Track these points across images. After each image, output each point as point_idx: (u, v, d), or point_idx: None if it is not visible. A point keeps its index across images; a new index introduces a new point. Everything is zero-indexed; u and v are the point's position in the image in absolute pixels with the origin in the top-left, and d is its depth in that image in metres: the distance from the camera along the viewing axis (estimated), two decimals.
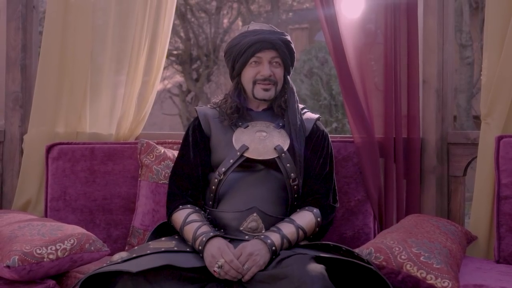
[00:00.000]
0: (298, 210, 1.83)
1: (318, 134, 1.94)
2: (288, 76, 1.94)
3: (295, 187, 1.83)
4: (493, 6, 2.17)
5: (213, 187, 1.83)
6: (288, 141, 1.85)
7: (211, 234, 1.70)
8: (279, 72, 1.90)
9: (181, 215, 1.80)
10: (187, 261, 1.65)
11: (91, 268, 1.83)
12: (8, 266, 1.65)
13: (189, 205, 1.83)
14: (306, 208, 1.82)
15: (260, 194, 1.81)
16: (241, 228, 1.78)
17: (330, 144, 1.96)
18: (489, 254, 2.15)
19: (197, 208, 1.83)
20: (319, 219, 1.81)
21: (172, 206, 1.86)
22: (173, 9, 2.52)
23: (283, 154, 1.83)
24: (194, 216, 1.78)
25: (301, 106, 1.99)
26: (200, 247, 1.68)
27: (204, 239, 1.68)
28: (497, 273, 1.87)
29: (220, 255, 1.63)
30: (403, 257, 1.70)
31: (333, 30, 2.25)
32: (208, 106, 2.00)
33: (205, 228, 1.73)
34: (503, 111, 2.15)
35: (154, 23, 2.45)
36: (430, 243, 1.77)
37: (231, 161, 1.82)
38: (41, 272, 1.71)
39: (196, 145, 1.91)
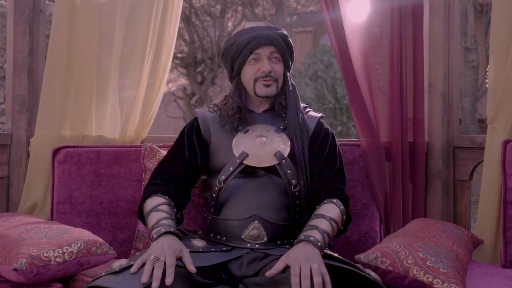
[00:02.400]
0: (317, 206, 1.76)
1: (322, 134, 1.89)
2: (288, 73, 1.89)
3: (296, 193, 1.80)
4: (499, 9, 2.17)
5: (214, 194, 1.80)
6: (289, 146, 1.81)
7: (171, 229, 1.63)
8: (279, 68, 1.86)
9: (155, 201, 1.75)
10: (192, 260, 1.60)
11: (98, 272, 1.83)
12: (15, 269, 1.66)
13: (166, 197, 1.78)
14: (325, 201, 1.76)
15: (261, 201, 1.78)
16: (243, 236, 1.75)
17: (335, 141, 1.91)
18: (495, 259, 2.14)
19: (172, 203, 1.77)
20: (342, 207, 1.75)
21: (150, 190, 1.80)
22: (179, 12, 2.52)
23: (283, 161, 1.79)
24: (165, 207, 1.72)
25: (303, 105, 1.94)
26: (154, 236, 1.62)
27: (162, 230, 1.62)
28: (504, 277, 1.86)
29: (167, 253, 1.54)
30: (409, 261, 1.70)
31: (338, 33, 2.26)
32: (207, 108, 1.95)
33: (167, 222, 1.67)
34: (509, 115, 2.15)
35: (160, 26, 2.45)
36: (436, 247, 1.77)
37: (231, 168, 1.79)
38: (48, 275, 1.72)
39: (192, 147, 1.87)
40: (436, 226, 1.97)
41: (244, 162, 1.79)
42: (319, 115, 1.96)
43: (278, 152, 1.80)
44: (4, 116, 2.55)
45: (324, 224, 1.67)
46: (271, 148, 1.81)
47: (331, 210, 1.73)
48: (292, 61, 1.91)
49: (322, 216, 1.70)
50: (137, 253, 1.72)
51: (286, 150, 1.81)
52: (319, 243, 1.60)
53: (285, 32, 1.89)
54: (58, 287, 1.75)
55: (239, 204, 1.78)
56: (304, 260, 1.52)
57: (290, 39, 1.89)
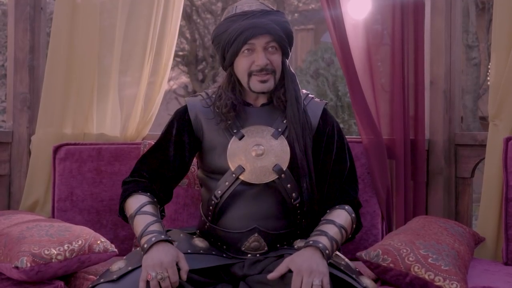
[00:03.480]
0: (328, 211, 1.69)
1: (328, 129, 1.75)
2: (287, 61, 1.71)
3: (297, 204, 1.69)
4: (501, 7, 2.16)
5: (211, 207, 1.70)
6: (289, 153, 1.67)
7: (162, 237, 1.56)
8: (276, 58, 1.66)
9: (138, 201, 1.65)
10: (191, 262, 1.60)
11: (99, 269, 1.84)
12: (16, 267, 1.66)
13: (148, 194, 1.68)
14: (337, 206, 1.69)
15: (260, 212, 1.68)
16: (243, 249, 1.70)
17: (342, 136, 1.78)
18: (497, 256, 2.14)
19: (155, 200, 1.68)
20: (353, 215, 1.68)
21: (130, 188, 1.70)
22: (180, 10, 2.52)
23: (282, 175, 1.67)
24: (149, 208, 1.64)
25: (305, 92, 1.78)
26: (145, 245, 1.55)
27: (153, 239, 1.55)
28: (506, 275, 1.86)
29: (166, 267, 1.51)
30: (411, 259, 1.70)
31: (339, 31, 2.25)
32: (200, 100, 1.77)
33: (156, 227, 1.59)
34: (511, 112, 2.14)
35: (161, 24, 2.45)
36: (438, 244, 1.76)
37: (227, 183, 1.68)
38: (50, 273, 1.71)
39: (180, 144, 1.74)
40: (438, 223, 1.97)
41: (241, 177, 1.66)
42: (323, 103, 1.78)
43: (276, 165, 1.66)
44: (5, 114, 2.55)
45: (333, 231, 1.61)
46: (269, 161, 1.66)
47: (341, 216, 1.66)
48: (291, 48, 1.71)
49: (332, 222, 1.63)
50: (136, 250, 1.70)
51: (285, 159, 1.67)
52: (327, 251, 1.55)
53: (283, 17, 1.69)
54: (59, 285, 1.75)
55: (237, 216, 1.69)
56: (307, 272, 1.49)
57: (288, 25, 1.69)
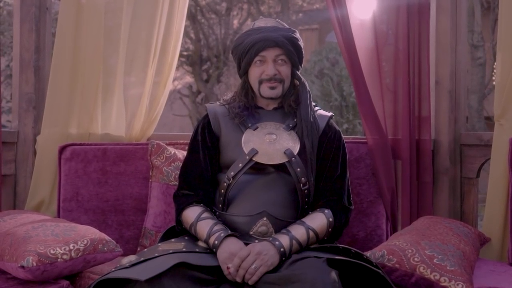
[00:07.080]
0: (310, 212, 1.81)
1: (330, 134, 1.90)
2: (297, 72, 1.89)
3: (305, 191, 1.80)
4: (507, 6, 2.15)
5: (222, 190, 1.81)
6: (299, 144, 1.82)
7: (229, 232, 1.70)
8: (285, 69, 1.85)
9: (195, 211, 1.79)
10: (199, 259, 1.64)
11: (104, 269, 1.84)
12: (22, 267, 1.66)
13: (202, 204, 1.82)
14: (318, 210, 1.81)
15: (270, 198, 1.79)
16: (251, 233, 1.76)
17: (343, 144, 1.92)
18: (502, 257, 2.13)
19: (208, 209, 1.82)
20: (330, 219, 1.79)
21: (184, 202, 1.84)
22: (185, 10, 2.52)
23: (293, 158, 1.79)
24: (208, 214, 1.78)
25: (313, 103, 1.93)
26: (216, 242, 1.67)
27: (222, 234, 1.68)
28: (511, 275, 1.85)
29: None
30: (416, 259, 1.69)
31: (345, 31, 2.25)
32: (218, 103, 1.97)
33: (221, 226, 1.73)
34: None
35: (166, 24, 2.46)
36: (443, 245, 1.76)
37: (240, 165, 1.79)
38: (55, 272, 1.72)
39: (205, 145, 1.88)
40: (443, 224, 1.97)
41: (254, 159, 1.80)
42: (328, 115, 1.95)
43: (287, 149, 1.80)
44: (11, 114, 2.56)
45: (298, 232, 1.72)
46: (280, 145, 1.81)
47: (316, 220, 1.77)
48: (301, 61, 1.90)
49: (302, 223, 1.75)
50: (145, 250, 1.73)
51: (295, 148, 1.81)
52: (282, 249, 1.66)
53: (294, 34, 1.87)
54: (65, 284, 1.76)
55: (247, 201, 1.79)
56: (254, 253, 1.62)
57: (298, 40, 1.87)
